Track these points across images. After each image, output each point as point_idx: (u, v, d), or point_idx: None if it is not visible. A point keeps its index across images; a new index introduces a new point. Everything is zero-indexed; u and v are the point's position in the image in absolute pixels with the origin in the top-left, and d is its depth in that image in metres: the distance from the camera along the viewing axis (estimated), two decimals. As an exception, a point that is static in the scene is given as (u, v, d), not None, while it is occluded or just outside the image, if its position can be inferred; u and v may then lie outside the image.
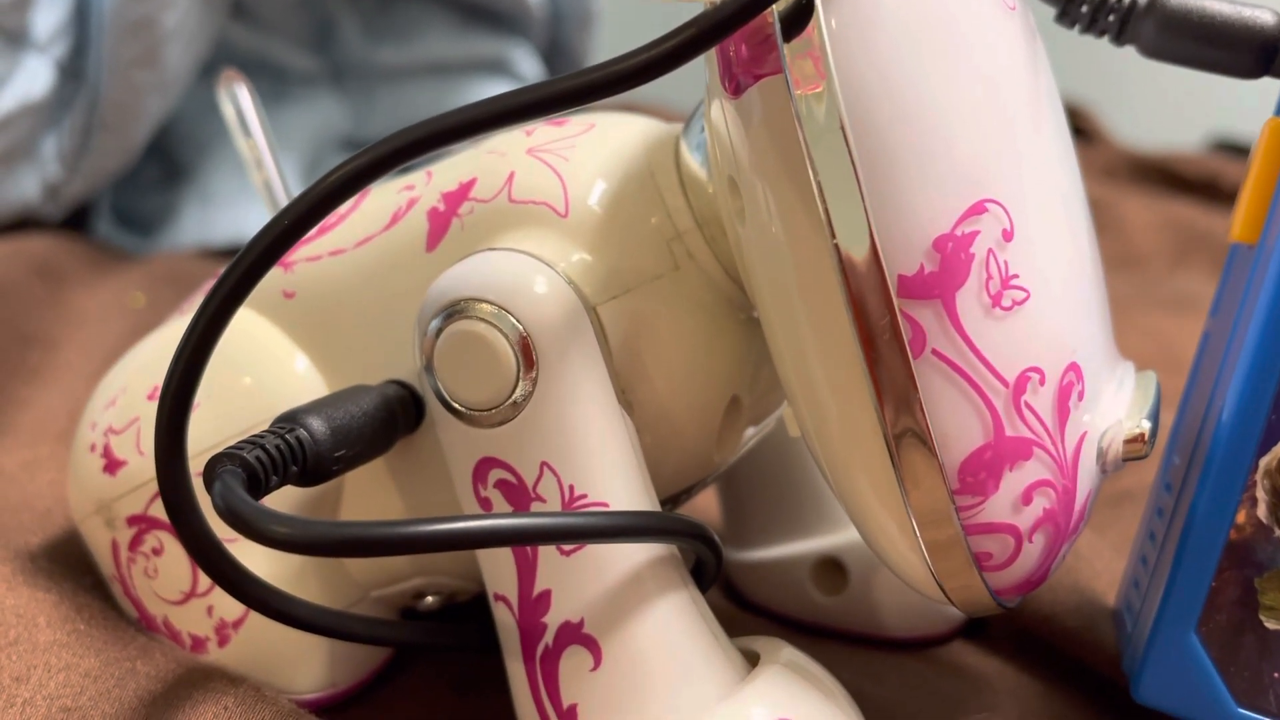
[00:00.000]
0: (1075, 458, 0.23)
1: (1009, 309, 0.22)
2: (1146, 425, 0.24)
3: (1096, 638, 0.31)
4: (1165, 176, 0.93)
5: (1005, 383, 0.22)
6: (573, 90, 0.22)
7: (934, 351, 0.21)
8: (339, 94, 0.77)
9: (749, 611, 0.36)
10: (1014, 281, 0.22)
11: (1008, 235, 0.22)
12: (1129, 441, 0.23)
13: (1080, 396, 0.23)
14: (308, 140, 0.74)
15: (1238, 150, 1.02)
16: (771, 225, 0.22)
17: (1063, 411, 0.23)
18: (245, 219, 0.69)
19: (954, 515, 0.22)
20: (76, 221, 0.69)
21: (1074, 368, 0.23)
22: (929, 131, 0.21)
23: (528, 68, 0.80)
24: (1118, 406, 0.24)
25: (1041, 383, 0.22)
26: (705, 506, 0.38)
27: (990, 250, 0.22)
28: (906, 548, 0.23)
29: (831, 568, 0.35)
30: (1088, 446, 0.23)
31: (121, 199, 0.72)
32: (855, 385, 0.22)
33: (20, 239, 0.60)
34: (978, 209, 0.21)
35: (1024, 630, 0.33)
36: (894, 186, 0.21)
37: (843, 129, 0.21)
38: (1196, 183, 0.91)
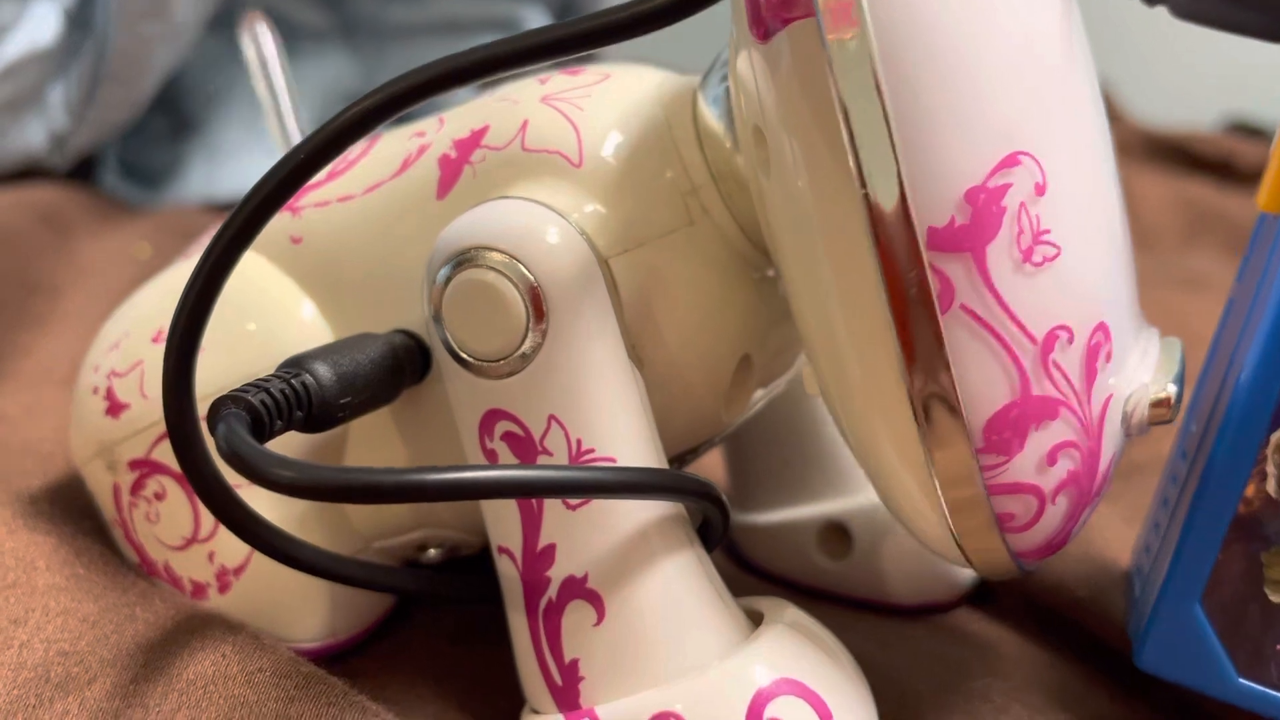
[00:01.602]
0: (1101, 419, 0.23)
1: (1039, 265, 0.21)
2: (1172, 389, 0.23)
3: (1104, 608, 0.31)
4: (1180, 155, 0.92)
5: (1034, 340, 0.21)
6: (595, 30, 0.21)
7: (962, 306, 0.21)
8: (350, 51, 0.76)
9: (752, 574, 0.36)
10: (1045, 237, 0.21)
11: (1040, 189, 0.21)
12: (1155, 405, 0.23)
13: (1108, 357, 0.22)
14: (317, 97, 0.73)
15: (1253, 131, 1.01)
16: (798, 175, 0.22)
17: (1090, 372, 0.22)
18: (252, 173, 0.68)
19: (978, 475, 0.22)
20: (82, 173, 0.68)
21: (1102, 328, 0.22)
22: (962, 80, 0.21)
23: (539, 25, 0.80)
24: (1143, 370, 0.24)
25: (1070, 341, 0.22)
26: (711, 467, 0.38)
27: (1022, 204, 0.21)
28: (927, 507, 0.23)
29: (837, 532, 0.34)
30: (1113, 409, 0.23)
31: (128, 151, 0.72)
32: (880, 340, 0.21)
33: (26, 188, 0.60)
34: (1010, 161, 0.21)
35: (1031, 598, 0.33)
36: (926, 136, 0.21)
37: (875, 75, 0.20)
38: (1212, 162, 0.90)
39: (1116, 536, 0.33)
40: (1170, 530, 0.27)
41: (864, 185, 0.21)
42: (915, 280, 0.21)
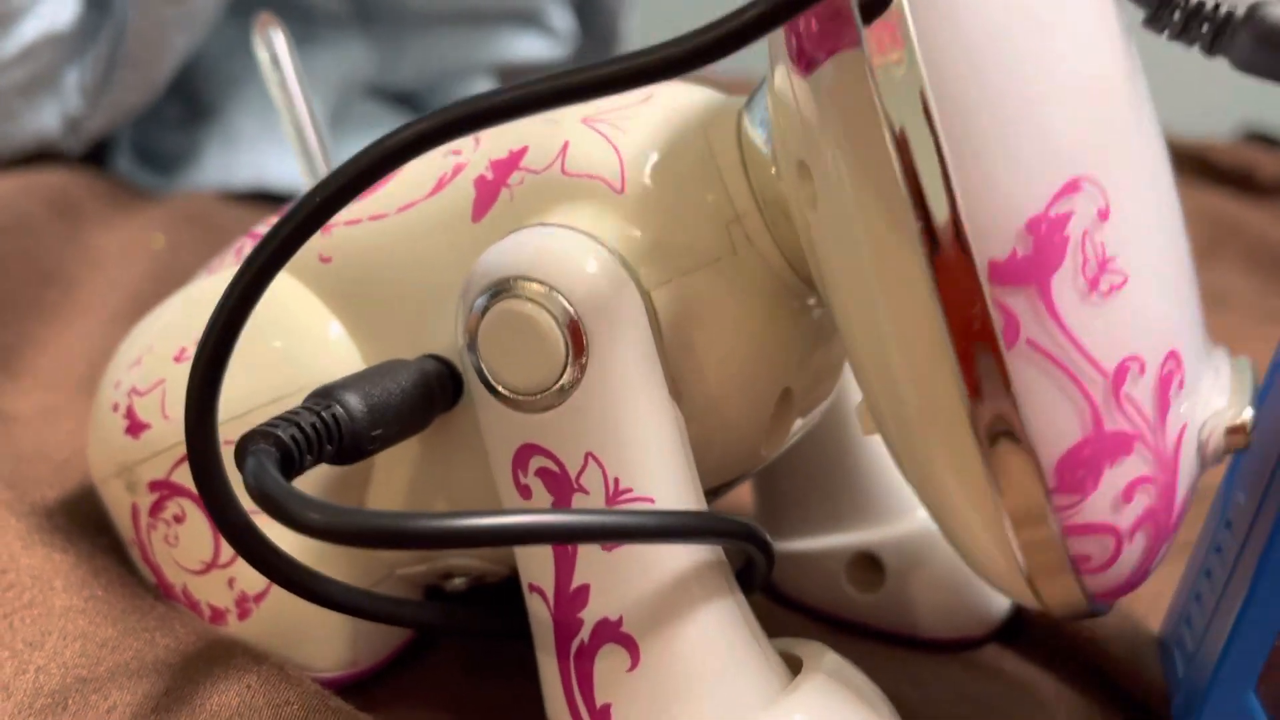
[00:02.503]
0: (1176, 451, 0.22)
1: (1107, 294, 0.20)
2: (1249, 414, 0.22)
3: (1140, 668, 0.30)
4: (1199, 166, 0.91)
5: (1104, 373, 0.20)
6: (636, 70, 0.20)
7: (1028, 341, 0.20)
8: (367, 38, 0.75)
9: (779, 603, 0.35)
10: (1111, 265, 0.20)
11: (1103, 215, 0.20)
12: (1231, 432, 0.22)
13: (1180, 385, 0.21)
14: (333, 85, 0.72)
15: (1270, 141, 0.99)
16: (847, 211, 0.21)
17: (1163, 402, 0.21)
18: (267, 162, 0.67)
19: (1052, 518, 0.21)
20: (95, 157, 0.67)
21: (1174, 355, 0.21)
22: (1016, 105, 0.20)
23: (560, 20, 0.79)
24: (1216, 395, 0.22)
25: (1141, 372, 0.21)
26: (738, 492, 0.37)
27: (1086, 231, 0.20)
28: (997, 550, 0.22)
29: (868, 564, 0.34)
30: (1188, 438, 0.22)
31: (142, 136, 0.71)
32: (942, 381, 0.20)
33: (38, 172, 0.59)
34: (1072, 187, 0.20)
35: (1063, 645, 0.32)
36: (982, 165, 0.20)
37: (925, 103, 0.19)
38: (1231, 173, 0.89)
39: (1146, 589, 0.32)
40: (1220, 609, 0.26)
41: (920, 220, 0.20)
42: (978, 317, 0.20)
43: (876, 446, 0.34)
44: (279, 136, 0.68)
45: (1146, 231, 0.21)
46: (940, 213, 0.19)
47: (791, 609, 0.35)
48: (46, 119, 0.63)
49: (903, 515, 0.34)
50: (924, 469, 0.22)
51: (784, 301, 0.26)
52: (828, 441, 0.33)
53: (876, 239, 0.21)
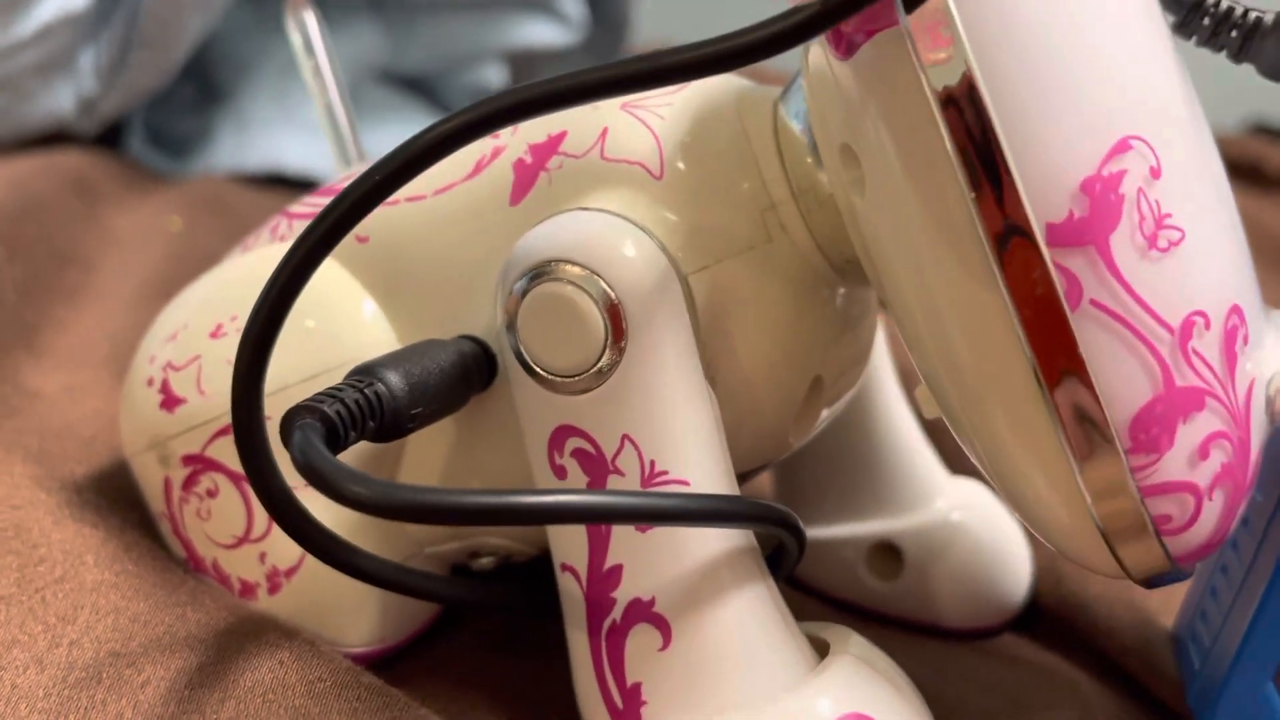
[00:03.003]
0: (1247, 405, 0.22)
1: (1165, 250, 0.20)
2: None
3: (1153, 657, 0.30)
4: (1208, 161, 0.91)
5: (1170, 329, 0.21)
6: (684, 64, 0.21)
7: (1092, 302, 0.20)
8: (379, 23, 0.75)
9: (798, 590, 0.35)
10: (1168, 221, 0.21)
11: (1155, 172, 0.20)
12: None
13: (1245, 340, 0.22)
14: (345, 69, 0.72)
15: (1276, 134, 0.99)
16: (898, 189, 0.21)
17: (1230, 357, 0.21)
18: (281, 145, 0.67)
19: (1130, 480, 0.21)
20: (109, 139, 0.67)
21: (1236, 310, 0.21)
22: (1061, 68, 0.20)
23: (570, 6, 0.79)
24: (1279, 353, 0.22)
25: (1207, 327, 0.21)
26: (756, 481, 0.37)
27: (1140, 189, 0.20)
28: (1073, 518, 0.22)
29: (887, 552, 0.34)
30: (1257, 394, 0.22)
31: (156, 118, 0.71)
32: (1006, 350, 0.20)
33: (55, 153, 0.59)
34: (1122, 147, 0.20)
35: (1078, 634, 0.33)
36: (1031, 130, 0.20)
37: (969, 72, 0.20)
38: (1238, 166, 0.89)
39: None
40: (1236, 605, 0.26)
41: (973, 189, 0.20)
42: (1040, 281, 0.20)
43: (897, 436, 0.34)
44: (292, 119, 0.68)
45: (1199, 188, 0.21)
46: (993, 178, 0.20)
47: (810, 596, 0.35)
48: (61, 100, 0.63)
49: (922, 505, 0.34)
50: (991, 442, 0.22)
51: (816, 290, 0.27)
52: (849, 430, 0.34)
53: (930, 214, 0.21)
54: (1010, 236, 0.20)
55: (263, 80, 0.70)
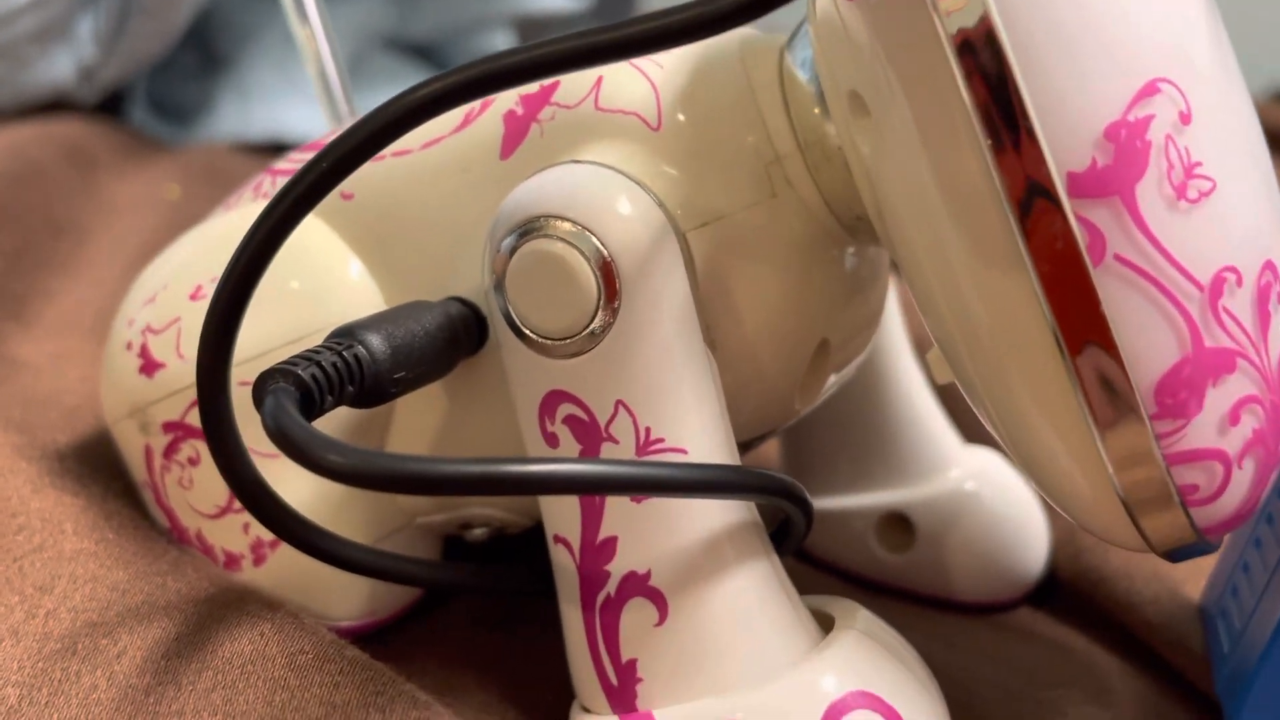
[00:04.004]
0: None
1: (1195, 201, 0.19)
2: None
3: (1179, 636, 0.29)
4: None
5: (1200, 285, 0.19)
6: (678, 26, 0.20)
7: (1116, 257, 0.19)
8: (384, -9, 0.74)
9: (805, 563, 0.34)
10: (1198, 170, 0.19)
11: (1185, 118, 0.19)
12: None
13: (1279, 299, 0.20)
14: (350, 38, 0.71)
15: (1298, 101, 0.97)
16: (909, 140, 0.20)
17: (1263, 316, 0.20)
18: (283, 113, 0.66)
19: (1154, 446, 0.19)
20: (111, 107, 0.66)
21: (1270, 266, 0.20)
22: (1084, 5, 0.19)
23: (579, -26, 0.77)
24: None
25: (1239, 284, 0.19)
26: (764, 451, 0.36)
27: (1168, 136, 0.19)
28: (1092, 487, 0.20)
29: (898, 524, 0.33)
30: None
31: (157, 87, 0.70)
32: (1023, 308, 0.19)
33: (51, 121, 0.58)
34: (1149, 90, 0.19)
35: (1097, 609, 0.31)
36: (1051, 72, 0.18)
37: (986, 11, 0.18)
38: (1265, 134, 0.87)
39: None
40: (1271, 584, 0.25)
41: (988, 135, 0.18)
42: (1060, 235, 0.18)
43: (910, 404, 0.33)
44: (294, 88, 0.67)
45: (1231, 136, 0.20)
46: (1011, 125, 0.18)
47: (818, 569, 0.34)
48: (60, 67, 0.62)
49: (934, 475, 0.33)
50: (1006, 407, 0.21)
51: (823, 249, 0.25)
52: (859, 399, 0.33)
53: (943, 162, 0.19)
54: (1028, 187, 0.19)
55: (265, 48, 0.69)
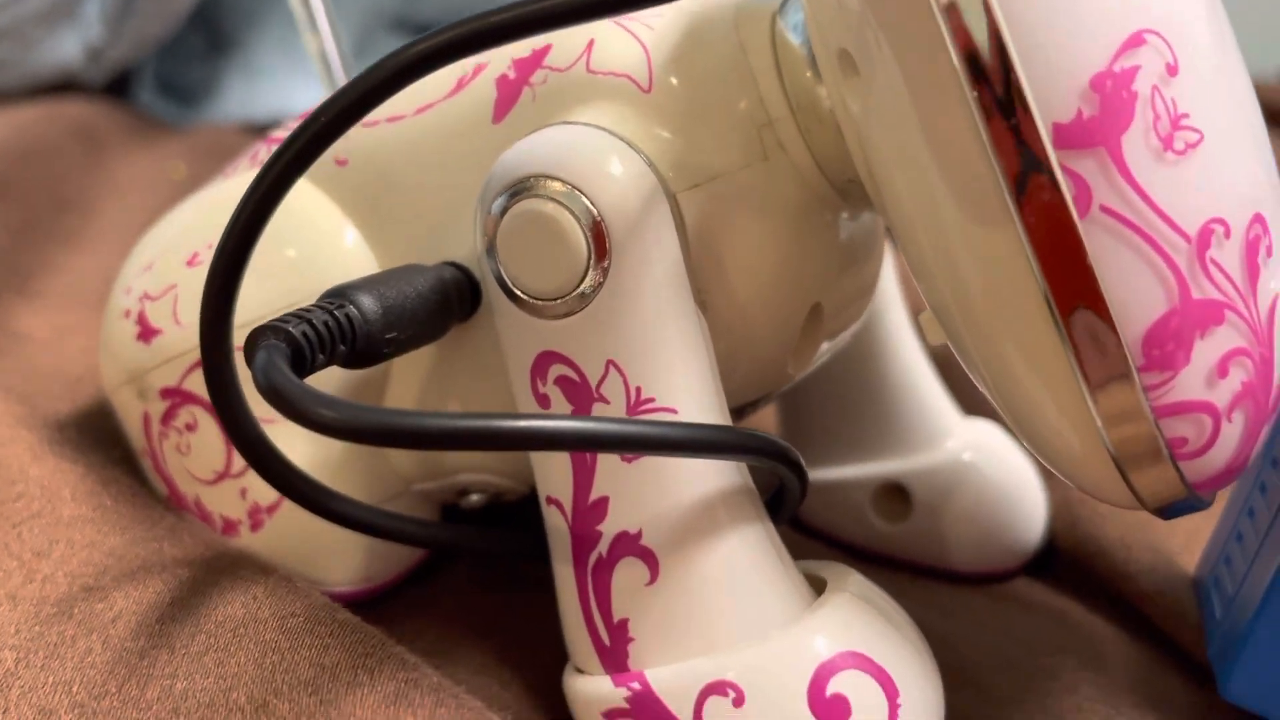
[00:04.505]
0: (1270, 322, 0.20)
1: (1182, 152, 0.19)
2: None
3: (1172, 601, 0.29)
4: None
5: (1187, 237, 0.19)
6: None
7: (1102, 208, 0.19)
8: (391, -30, 0.74)
9: (801, 532, 0.34)
10: (1185, 121, 0.19)
11: (1172, 70, 0.19)
12: None
13: (1269, 252, 0.20)
14: (356, 18, 0.71)
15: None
16: (898, 93, 0.20)
17: (1252, 268, 0.20)
18: (290, 94, 0.66)
19: (1143, 399, 0.19)
20: (118, 89, 0.66)
21: (1259, 219, 0.20)
22: None
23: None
24: None
25: (1227, 235, 0.19)
26: (761, 421, 0.36)
27: (1155, 87, 0.19)
28: (1082, 442, 0.20)
29: (894, 494, 0.33)
30: None
31: (164, 68, 0.70)
32: (1011, 261, 0.19)
33: (59, 101, 0.58)
34: (1135, 41, 0.19)
35: (1094, 578, 0.31)
36: (1036, 21, 0.18)
37: None
38: (1276, 114, 0.86)
39: (1181, 526, 0.31)
40: (1262, 552, 0.25)
41: (974, 88, 0.18)
42: (1046, 186, 0.18)
43: (907, 374, 0.33)
44: (300, 68, 0.67)
45: (1218, 88, 0.20)
46: (996, 76, 0.18)
47: (815, 539, 0.34)
48: (67, 48, 0.62)
49: (932, 445, 0.33)
50: (997, 366, 0.21)
51: (815, 212, 0.25)
52: (856, 368, 0.33)
53: (931, 118, 0.19)
54: (1014, 139, 0.19)
55: (270, 29, 0.69)
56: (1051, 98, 0.18)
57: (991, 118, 0.19)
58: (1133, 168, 0.19)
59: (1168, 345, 0.19)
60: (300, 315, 0.22)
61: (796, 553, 0.26)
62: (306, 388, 0.20)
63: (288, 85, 0.67)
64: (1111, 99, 0.19)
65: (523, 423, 0.20)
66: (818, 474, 0.34)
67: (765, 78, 0.24)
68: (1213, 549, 0.29)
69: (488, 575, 0.30)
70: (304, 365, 0.21)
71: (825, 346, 0.28)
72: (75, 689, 0.23)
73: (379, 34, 0.72)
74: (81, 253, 0.45)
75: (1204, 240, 0.19)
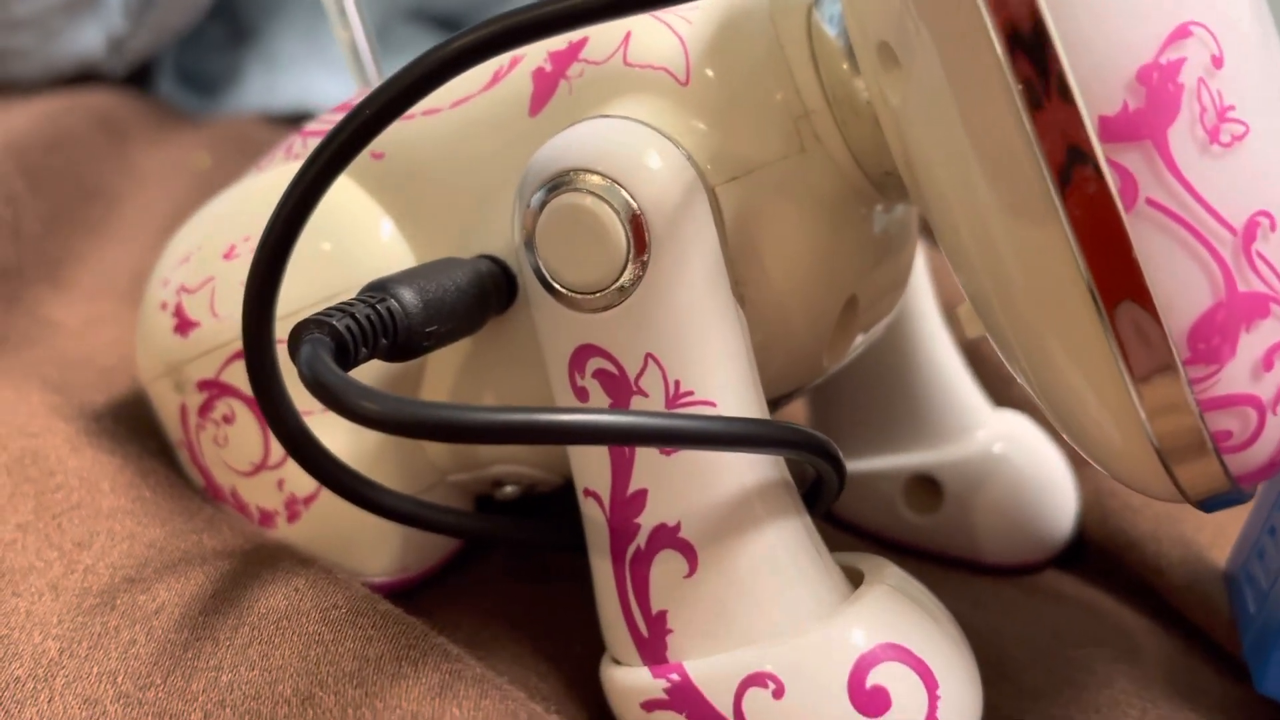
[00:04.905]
0: None
1: (1228, 145, 0.19)
2: None
3: (1202, 595, 0.29)
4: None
5: (1233, 230, 0.19)
6: None
7: (1149, 201, 0.19)
8: (411, -40, 0.74)
9: (832, 524, 0.34)
10: (1230, 114, 0.19)
11: (1217, 61, 0.19)
12: None
13: None
14: (374, 8, 0.71)
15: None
16: (940, 86, 0.20)
17: None
18: (310, 85, 0.66)
19: (1188, 392, 0.19)
20: (139, 79, 0.67)
21: None
22: None
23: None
24: None
25: (1272, 228, 0.19)
26: (792, 413, 0.36)
27: (1201, 79, 0.19)
28: (1125, 435, 0.20)
29: (925, 485, 0.33)
30: None
31: (186, 58, 0.70)
32: (1055, 255, 0.19)
33: (83, 92, 0.58)
34: (1181, 33, 0.19)
35: (1124, 571, 0.31)
36: (1082, 14, 0.18)
37: None
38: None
39: (1209, 520, 0.31)
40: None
41: (1019, 80, 0.18)
42: (1092, 179, 0.18)
43: (938, 366, 0.33)
44: (321, 58, 0.67)
45: (1264, 81, 0.20)
46: (1042, 69, 0.18)
47: (844, 530, 0.34)
48: (89, 39, 0.62)
49: (963, 437, 0.33)
50: (1038, 358, 0.21)
51: (851, 205, 0.25)
52: (887, 359, 0.33)
53: (973, 110, 0.19)
54: (1059, 131, 0.18)
55: (291, 19, 0.69)
56: (1097, 90, 0.18)
57: (1036, 110, 0.18)
58: (1179, 161, 0.19)
59: (1214, 338, 0.19)
60: (343, 309, 0.22)
61: (827, 544, 0.26)
62: (351, 381, 0.20)
63: (309, 75, 0.67)
64: (1158, 91, 0.18)
65: (565, 417, 0.20)
66: (848, 465, 0.33)
67: (801, 70, 0.24)
68: (1244, 543, 0.29)
69: (521, 566, 0.30)
70: (347, 359, 0.21)
71: (860, 339, 0.28)
72: (120, 679, 0.23)
73: (396, 24, 0.72)
74: (108, 243, 0.45)
75: (1250, 233, 0.19)
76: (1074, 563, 0.33)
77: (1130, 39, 0.18)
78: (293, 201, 0.21)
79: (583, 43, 0.25)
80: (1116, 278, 0.19)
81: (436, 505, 0.26)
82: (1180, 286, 0.19)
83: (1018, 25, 0.18)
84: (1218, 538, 0.31)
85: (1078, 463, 0.34)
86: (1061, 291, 0.19)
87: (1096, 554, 0.33)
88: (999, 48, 0.18)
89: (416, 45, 0.72)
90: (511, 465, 0.28)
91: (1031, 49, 0.18)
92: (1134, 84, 0.18)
